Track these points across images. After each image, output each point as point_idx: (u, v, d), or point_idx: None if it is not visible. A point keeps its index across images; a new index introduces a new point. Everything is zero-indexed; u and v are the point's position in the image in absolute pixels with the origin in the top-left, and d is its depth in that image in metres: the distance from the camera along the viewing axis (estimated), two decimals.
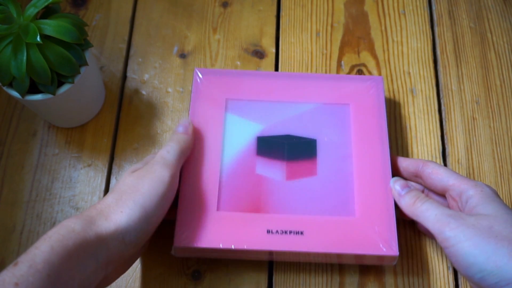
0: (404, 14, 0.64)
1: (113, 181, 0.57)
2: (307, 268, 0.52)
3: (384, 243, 0.49)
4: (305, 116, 0.55)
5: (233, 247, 0.48)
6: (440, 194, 0.50)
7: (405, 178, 0.53)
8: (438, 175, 0.49)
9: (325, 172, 0.52)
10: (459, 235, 0.43)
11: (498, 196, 0.46)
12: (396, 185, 0.50)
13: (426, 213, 0.46)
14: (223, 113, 0.54)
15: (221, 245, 0.48)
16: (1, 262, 0.53)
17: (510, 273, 0.40)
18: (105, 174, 0.57)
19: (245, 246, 0.48)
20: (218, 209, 0.50)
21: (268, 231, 0.49)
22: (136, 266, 0.53)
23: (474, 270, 0.42)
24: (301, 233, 0.49)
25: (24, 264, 0.37)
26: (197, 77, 0.56)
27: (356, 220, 0.50)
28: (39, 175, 0.57)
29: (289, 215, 0.50)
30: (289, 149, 0.53)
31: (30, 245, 0.54)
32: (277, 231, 0.49)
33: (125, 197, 0.44)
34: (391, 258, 0.49)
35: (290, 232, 0.49)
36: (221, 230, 0.49)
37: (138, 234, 0.44)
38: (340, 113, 0.55)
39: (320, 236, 0.49)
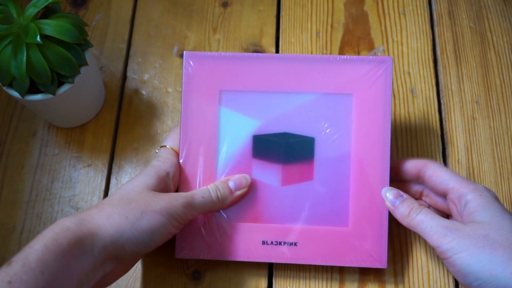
0: (404, 14, 0.64)
1: (113, 181, 0.57)
2: (307, 267, 0.52)
3: (373, 256, 0.50)
4: (304, 109, 0.51)
5: (230, 259, 0.50)
6: (442, 196, 0.50)
7: (408, 181, 0.53)
8: (439, 178, 0.49)
9: (321, 176, 0.51)
10: (456, 247, 0.43)
11: (497, 200, 0.46)
12: (389, 194, 0.49)
13: (421, 225, 0.46)
14: (217, 108, 0.51)
15: (218, 256, 0.50)
16: (1, 262, 0.53)
17: (505, 281, 0.41)
18: (105, 174, 0.57)
19: (241, 258, 0.50)
20: (215, 219, 0.51)
21: (263, 242, 0.50)
22: (136, 266, 0.53)
23: (471, 279, 0.42)
24: (295, 244, 0.50)
25: (18, 263, 0.38)
26: (188, 64, 0.51)
27: (348, 231, 0.50)
28: (39, 175, 0.57)
29: (283, 224, 0.51)
30: (286, 150, 0.51)
31: None
32: (272, 242, 0.50)
33: (134, 206, 0.44)
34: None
35: (284, 243, 0.50)
36: (219, 241, 0.50)
37: (139, 245, 0.44)
38: (341, 105, 0.51)
39: (313, 248, 0.50)
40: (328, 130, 0.51)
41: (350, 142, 0.51)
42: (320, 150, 0.51)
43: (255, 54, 0.52)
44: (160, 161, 0.49)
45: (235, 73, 0.51)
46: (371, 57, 0.51)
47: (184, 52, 0.52)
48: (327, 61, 0.51)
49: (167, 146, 0.51)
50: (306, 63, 0.51)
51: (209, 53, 0.52)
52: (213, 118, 0.51)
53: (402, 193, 0.49)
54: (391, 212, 0.49)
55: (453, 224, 0.45)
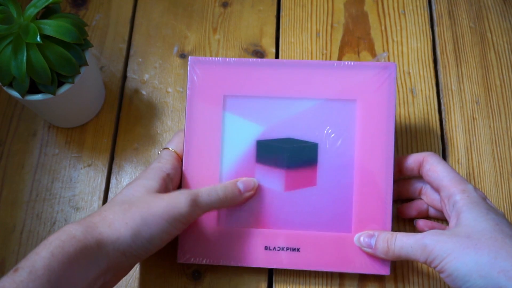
0: (404, 14, 0.64)
1: (113, 181, 0.57)
2: (307, 272, 0.52)
3: (376, 262, 0.49)
4: (308, 115, 0.51)
5: (232, 264, 0.50)
6: (438, 192, 0.50)
7: (408, 179, 0.53)
8: (434, 173, 0.49)
9: (324, 182, 0.51)
10: (440, 253, 0.43)
11: (484, 200, 0.46)
12: (362, 239, 0.49)
13: (403, 250, 0.46)
14: (221, 113, 0.51)
15: (221, 261, 0.50)
16: (1, 262, 0.53)
17: (494, 281, 0.40)
18: (105, 174, 0.57)
19: (244, 263, 0.50)
20: (218, 224, 0.51)
21: (266, 248, 0.50)
22: (136, 266, 0.53)
23: (460, 283, 0.42)
24: (298, 249, 0.50)
25: (24, 270, 0.37)
26: (192, 69, 0.52)
27: (351, 237, 0.50)
28: (39, 175, 0.57)
29: (286, 230, 0.50)
30: (289, 155, 0.51)
31: (30, 245, 0.54)
32: (274, 248, 0.50)
33: (135, 210, 0.44)
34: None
35: (287, 248, 0.50)
36: (221, 246, 0.50)
37: (138, 251, 0.44)
38: (345, 112, 0.51)
39: (315, 253, 0.50)
40: (332, 136, 0.51)
41: (353, 148, 0.51)
42: (323, 156, 0.51)
43: (259, 59, 0.52)
44: (161, 162, 0.49)
45: (240, 78, 0.51)
46: (374, 63, 0.51)
47: (189, 57, 0.52)
48: (331, 67, 0.51)
49: (170, 148, 0.51)
50: (310, 68, 0.51)
51: (213, 58, 0.52)
52: (217, 123, 0.51)
53: (371, 232, 0.49)
54: (373, 254, 0.49)
55: (431, 233, 0.45)
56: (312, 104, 0.51)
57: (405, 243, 0.46)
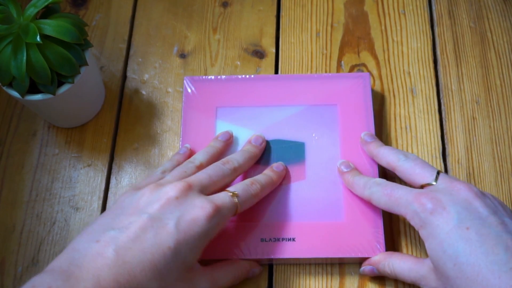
0: (404, 14, 0.64)
1: (113, 181, 0.57)
2: (307, 268, 0.52)
3: (370, 245, 0.50)
4: (294, 119, 0.56)
5: (229, 257, 0.50)
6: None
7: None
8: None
9: (313, 176, 0.53)
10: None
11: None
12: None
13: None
14: (214, 121, 0.56)
15: (218, 256, 0.50)
16: (1, 262, 0.53)
17: None
18: (105, 174, 0.57)
19: (241, 256, 0.50)
20: None
21: (262, 240, 0.51)
22: None
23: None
24: (293, 239, 0.51)
25: None
26: (187, 86, 0.57)
27: (344, 224, 0.51)
28: (39, 175, 0.57)
29: (281, 222, 0.52)
30: (278, 154, 0.54)
31: (30, 245, 0.54)
32: (270, 239, 0.51)
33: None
34: None
35: (283, 239, 0.51)
36: (219, 241, 0.50)
37: None
38: (327, 114, 0.56)
39: (310, 242, 0.51)
40: (316, 137, 0.55)
41: (338, 145, 0.55)
42: (310, 153, 0.55)
43: (247, 76, 0.58)
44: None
45: (230, 92, 0.57)
46: (351, 73, 0.59)
47: (185, 77, 0.58)
48: (312, 79, 0.58)
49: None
50: (294, 81, 0.57)
51: (206, 77, 0.58)
52: (211, 130, 0.56)
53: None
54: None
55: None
56: (297, 110, 0.56)
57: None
